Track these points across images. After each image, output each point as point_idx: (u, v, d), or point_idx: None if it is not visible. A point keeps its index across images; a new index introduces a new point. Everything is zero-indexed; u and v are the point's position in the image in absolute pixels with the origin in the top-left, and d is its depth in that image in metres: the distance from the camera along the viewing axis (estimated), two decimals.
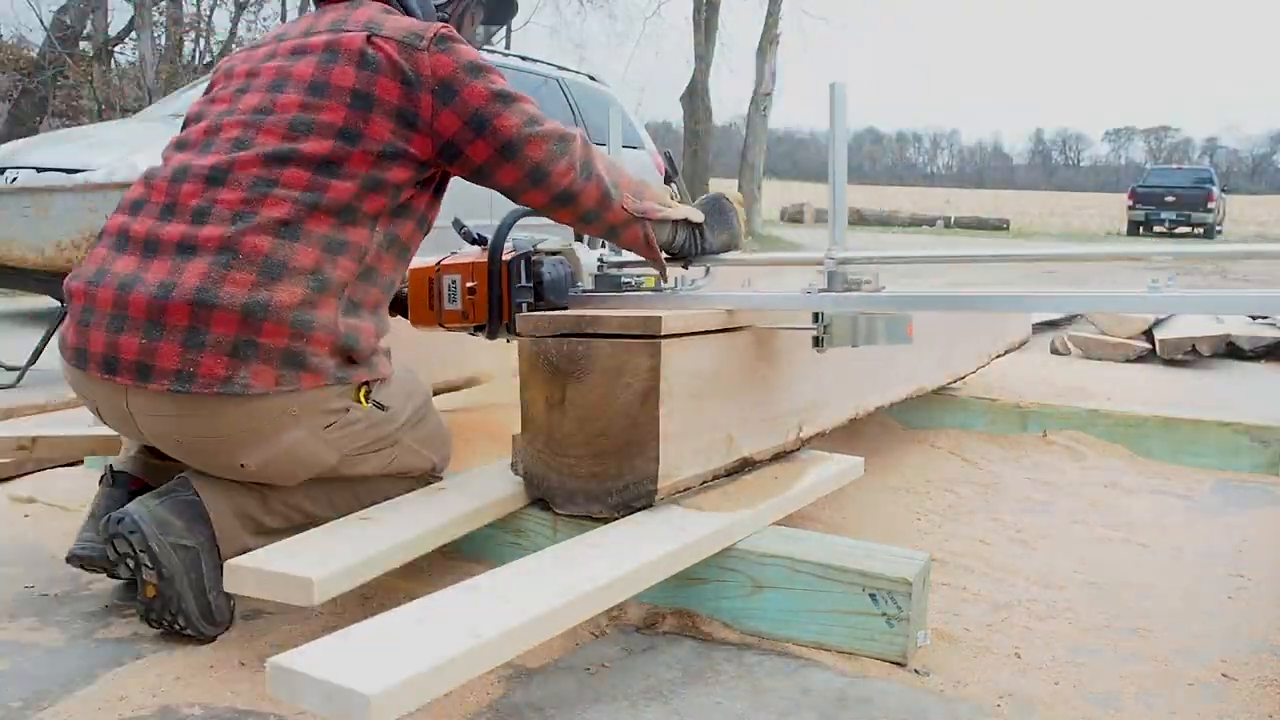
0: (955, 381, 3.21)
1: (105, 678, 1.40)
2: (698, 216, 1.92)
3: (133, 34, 13.85)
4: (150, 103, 10.45)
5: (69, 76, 12.98)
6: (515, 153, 1.61)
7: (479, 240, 2.06)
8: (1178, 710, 1.42)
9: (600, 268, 2.06)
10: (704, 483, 1.76)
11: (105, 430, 2.10)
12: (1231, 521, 2.35)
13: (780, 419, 1.97)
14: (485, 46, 8.64)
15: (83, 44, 13.77)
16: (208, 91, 1.70)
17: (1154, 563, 2.04)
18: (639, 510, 1.62)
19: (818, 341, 1.80)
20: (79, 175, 4.54)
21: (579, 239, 2.11)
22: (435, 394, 2.28)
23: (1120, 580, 1.94)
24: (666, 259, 1.91)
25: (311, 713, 1.04)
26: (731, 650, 1.54)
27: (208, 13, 16.16)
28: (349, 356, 1.55)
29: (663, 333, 1.59)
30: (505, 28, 21.16)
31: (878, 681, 1.45)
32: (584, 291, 1.99)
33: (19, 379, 3.40)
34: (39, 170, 4.79)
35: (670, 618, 1.62)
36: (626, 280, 2.08)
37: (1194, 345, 4.71)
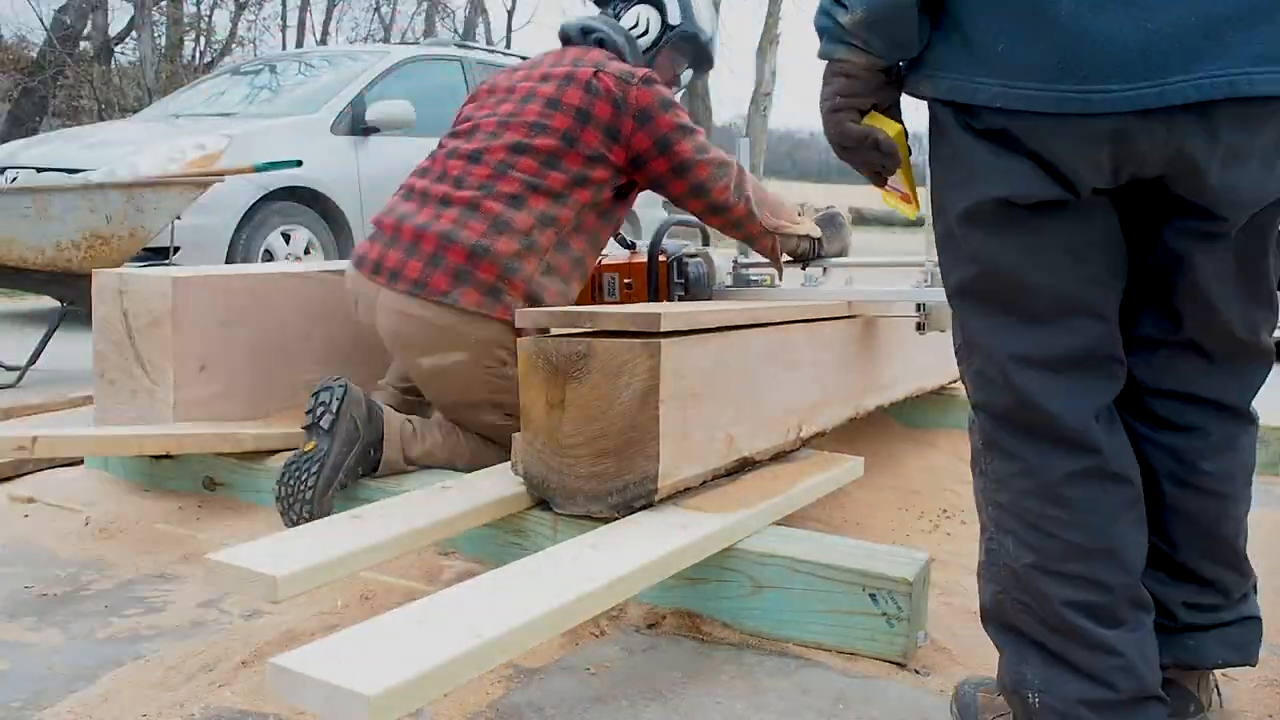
0: (955, 381, 3.21)
1: (105, 678, 1.41)
2: (817, 231, 2.41)
3: (133, 34, 13.85)
4: (150, 103, 10.45)
5: (69, 76, 12.97)
6: (686, 171, 2.15)
7: (630, 245, 2.59)
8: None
9: (734, 268, 2.60)
10: (704, 482, 1.76)
11: (106, 430, 2.11)
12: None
13: (780, 419, 1.97)
14: (486, 47, 8.63)
15: (83, 44, 13.76)
16: (473, 100, 2.31)
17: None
18: (639, 510, 1.62)
19: (920, 327, 2.34)
20: (79, 175, 4.54)
21: (706, 244, 2.70)
22: None
23: None
24: (789, 262, 2.40)
25: (312, 713, 1.04)
26: (731, 650, 1.54)
27: (208, 13, 16.17)
28: (529, 300, 2.05)
29: (662, 329, 1.59)
30: (506, 27, 21.08)
31: (878, 681, 1.45)
32: (723, 286, 2.54)
33: (19, 379, 3.40)
34: (39, 170, 4.80)
35: (670, 618, 1.62)
36: (755, 278, 2.58)
37: None
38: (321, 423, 1.89)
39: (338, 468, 1.88)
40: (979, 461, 1.23)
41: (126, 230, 3.32)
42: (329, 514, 1.81)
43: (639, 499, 1.62)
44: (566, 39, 2.31)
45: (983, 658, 1.54)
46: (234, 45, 16.55)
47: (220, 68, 11.31)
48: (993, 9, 1.06)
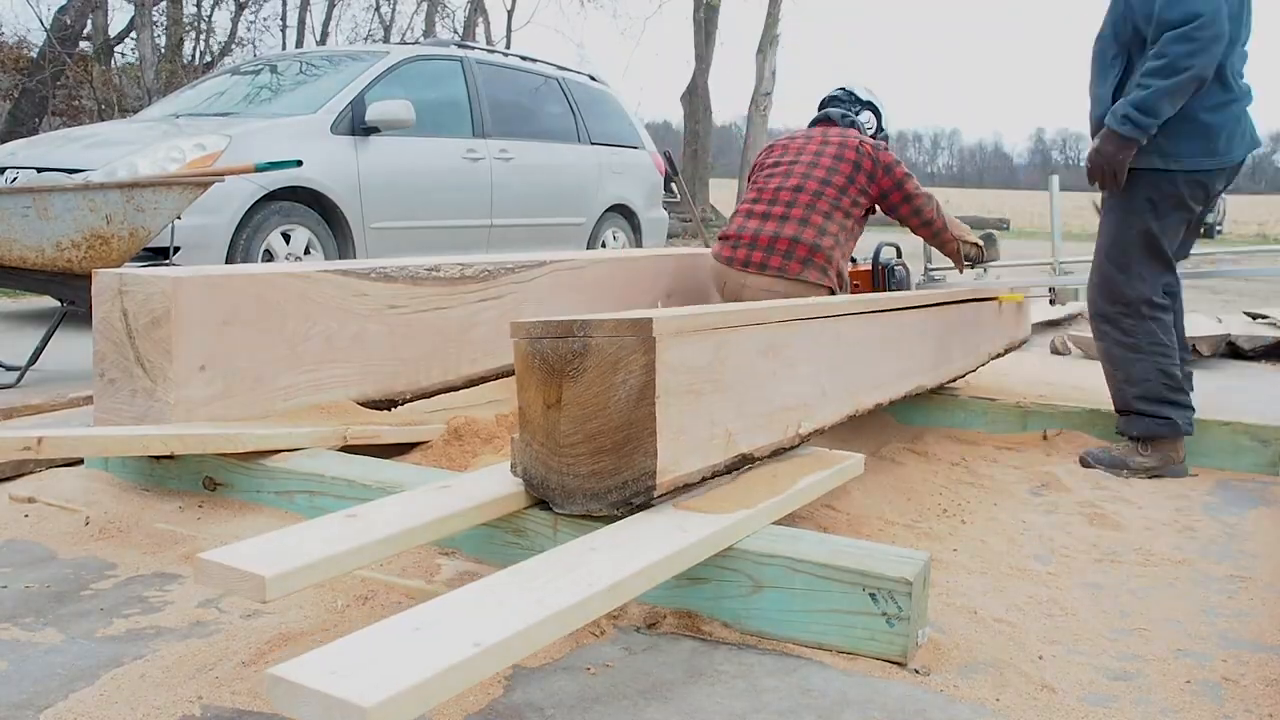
0: (954, 381, 3.21)
1: (105, 678, 1.41)
2: (981, 242, 3.61)
3: (133, 34, 13.83)
4: (150, 103, 10.45)
5: (69, 76, 12.95)
6: (910, 201, 3.43)
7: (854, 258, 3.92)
8: (1177, 709, 1.42)
9: (925, 271, 4.10)
10: (703, 479, 1.76)
11: (109, 430, 2.11)
12: (1231, 521, 2.35)
13: (779, 415, 1.97)
14: (486, 47, 8.62)
15: (83, 44, 13.74)
16: (770, 154, 3.60)
17: (1154, 562, 2.04)
18: (639, 507, 1.62)
19: (1052, 302, 4.67)
20: (79, 175, 4.54)
21: (900, 255, 4.14)
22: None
23: (1120, 579, 1.94)
24: (967, 265, 3.63)
25: None
26: (731, 650, 1.54)
27: (208, 13, 16.16)
28: (840, 275, 3.35)
29: (654, 334, 1.59)
30: (506, 28, 21.03)
31: (878, 681, 1.45)
32: (921, 283, 4.01)
33: (19, 379, 3.40)
34: (39, 170, 4.80)
35: (670, 618, 1.62)
36: (936, 277, 4.04)
37: (1194, 345, 4.70)
38: None
39: None
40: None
41: (126, 230, 3.32)
42: None
43: (638, 496, 1.62)
44: (829, 120, 3.64)
45: (983, 656, 1.55)
46: (234, 45, 16.54)
47: (220, 68, 11.31)
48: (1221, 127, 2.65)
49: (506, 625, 1.15)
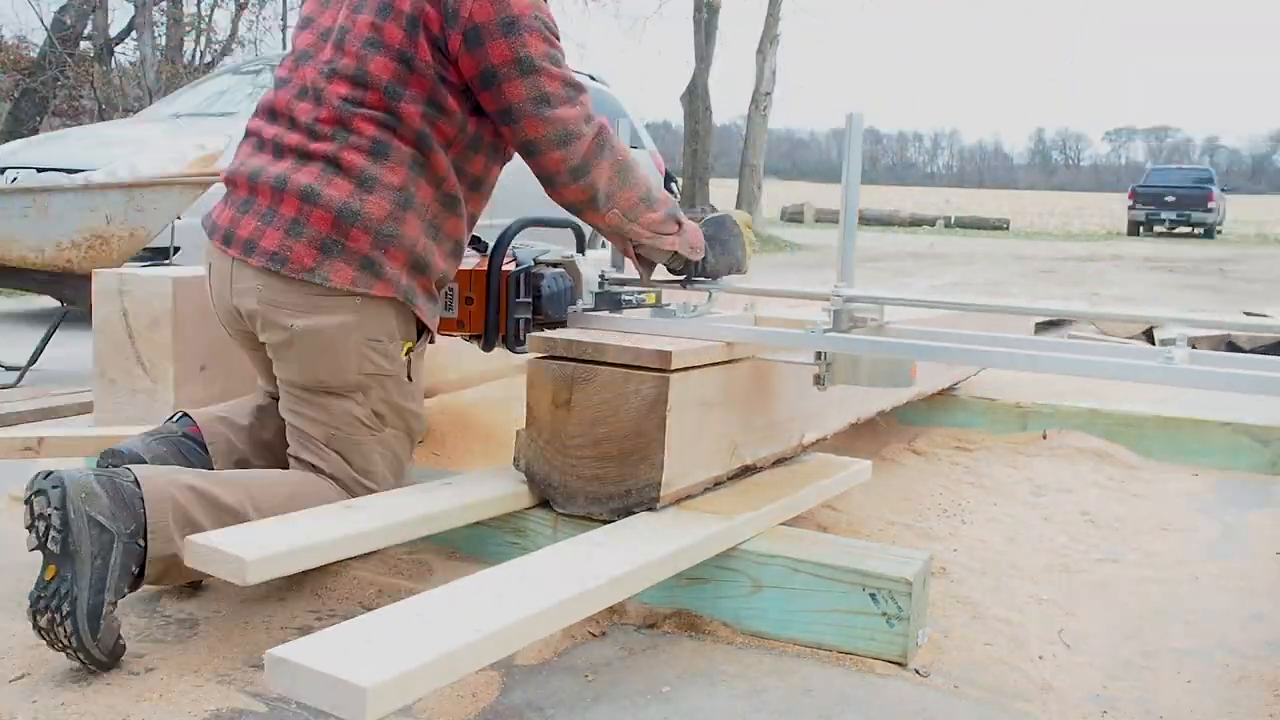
0: (957, 384, 3.21)
1: (103, 677, 1.40)
2: (695, 250, 1.92)
3: (133, 34, 13.84)
4: (150, 103, 10.45)
5: (69, 76, 12.96)
6: (513, 120, 1.69)
7: (482, 247, 2.05)
8: (1178, 709, 1.42)
9: (601, 284, 2.07)
10: (705, 490, 1.75)
11: (110, 431, 2.11)
12: (1232, 521, 2.35)
13: (782, 426, 1.97)
14: None
15: (83, 44, 13.75)
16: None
17: (1155, 563, 2.04)
18: (640, 514, 1.62)
19: (818, 380, 1.80)
20: (79, 175, 4.54)
21: (580, 251, 2.18)
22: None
23: (1121, 580, 1.94)
24: (669, 281, 1.99)
25: (310, 705, 1.04)
26: (731, 650, 1.54)
27: (208, 13, 16.16)
28: (419, 272, 1.71)
29: (672, 367, 1.59)
30: None
31: (878, 681, 1.45)
32: (584, 309, 2.02)
33: (19, 379, 3.40)
34: (39, 170, 4.80)
35: (670, 618, 1.62)
36: (627, 298, 2.08)
37: (1194, 345, 4.70)
38: (50, 545, 1.38)
39: (99, 591, 1.38)
40: None
41: (126, 230, 3.32)
42: (117, 646, 1.41)
43: (640, 505, 1.62)
44: None
45: (983, 657, 1.55)
46: (234, 45, 16.54)
47: (220, 68, 11.31)
48: None
49: (507, 614, 1.16)
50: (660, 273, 1.98)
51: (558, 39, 1.71)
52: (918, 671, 1.48)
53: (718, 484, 1.78)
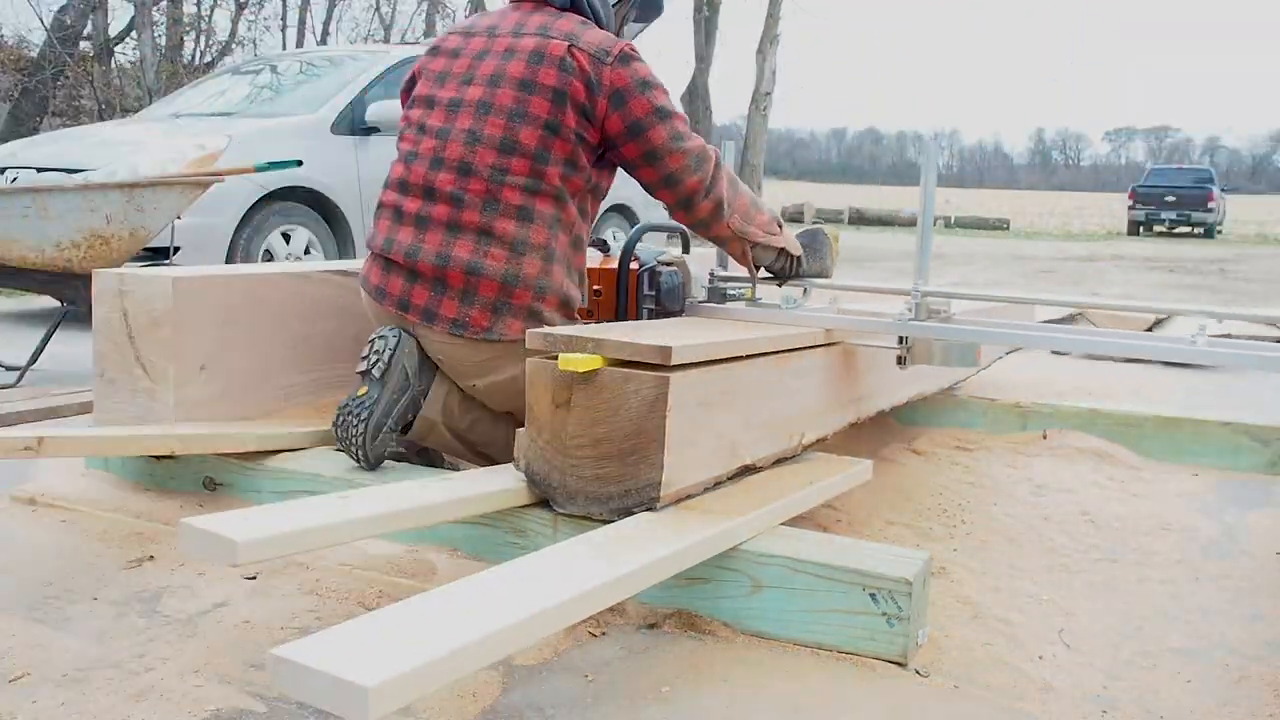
0: (958, 384, 3.21)
1: (103, 676, 1.41)
2: (796, 247, 2.27)
3: (133, 34, 13.84)
4: (150, 103, 10.45)
5: (69, 76, 12.96)
6: (657, 159, 2.02)
7: (604, 246, 2.44)
8: (1178, 709, 1.42)
9: (711, 280, 2.42)
10: (706, 490, 1.75)
11: (111, 431, 2.11)
12: (1232, 521, 2.35)
13: (783, 425, 1.97)
14: None
15: (83, 44, 13.75)
16: (426, 79, 2.14)
17: (1155, 563, 2.04)
18: (640, 514, 1.62)
19: (900, 360, 2.18)
20: (79, 175, 4.54)
21: (686, 251, 2.52)
22: None
23: (1121, 580, 1.94)
24: (765, 278, 2.32)
25: (312, 705, 1.04)
26: (731, 650, 1.54)
27: (208, 13, 16.16)
28: (566, 308, 2.05)
29: (672, 362, 1.59)
30: None
31: (878, 681, 1.45)
32: (696, 301, 2.36)
33: (19, 379, 3.40)
34: (39, 170, 4.80)
35: (670, 618, 1.62)
36: (733, 293, 2.43)
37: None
38: (374, 370, 1.94)
39: (387, 414, 1.94)
40: None
41: (126, 230, 3.32)
42: (383, 457, 1.96)
43: (640, 505, 1.62)
44: None
45: (983, 657, 1.55)
46: (234, 45, 16.55)
47: (220, 68, 11.31)
48: None
49: (508, 614, 1.16)
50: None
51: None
52: (918, 671, 1.48)
53: (718, 484, 1.78)
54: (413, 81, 2.20)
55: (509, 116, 1.95)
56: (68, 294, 3.41)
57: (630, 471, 1.61)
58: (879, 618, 1.50)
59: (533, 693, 1.39)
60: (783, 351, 1.96)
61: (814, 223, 2.49)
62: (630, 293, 2.29)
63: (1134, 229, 22.57)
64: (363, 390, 1.94)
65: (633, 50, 2.01)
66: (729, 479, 1.82)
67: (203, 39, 16.11)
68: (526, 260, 1.96)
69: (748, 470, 1.87)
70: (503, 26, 2.07)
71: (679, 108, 2.06)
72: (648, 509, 1.61)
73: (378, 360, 1.94)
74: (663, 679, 1.44)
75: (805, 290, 2.33)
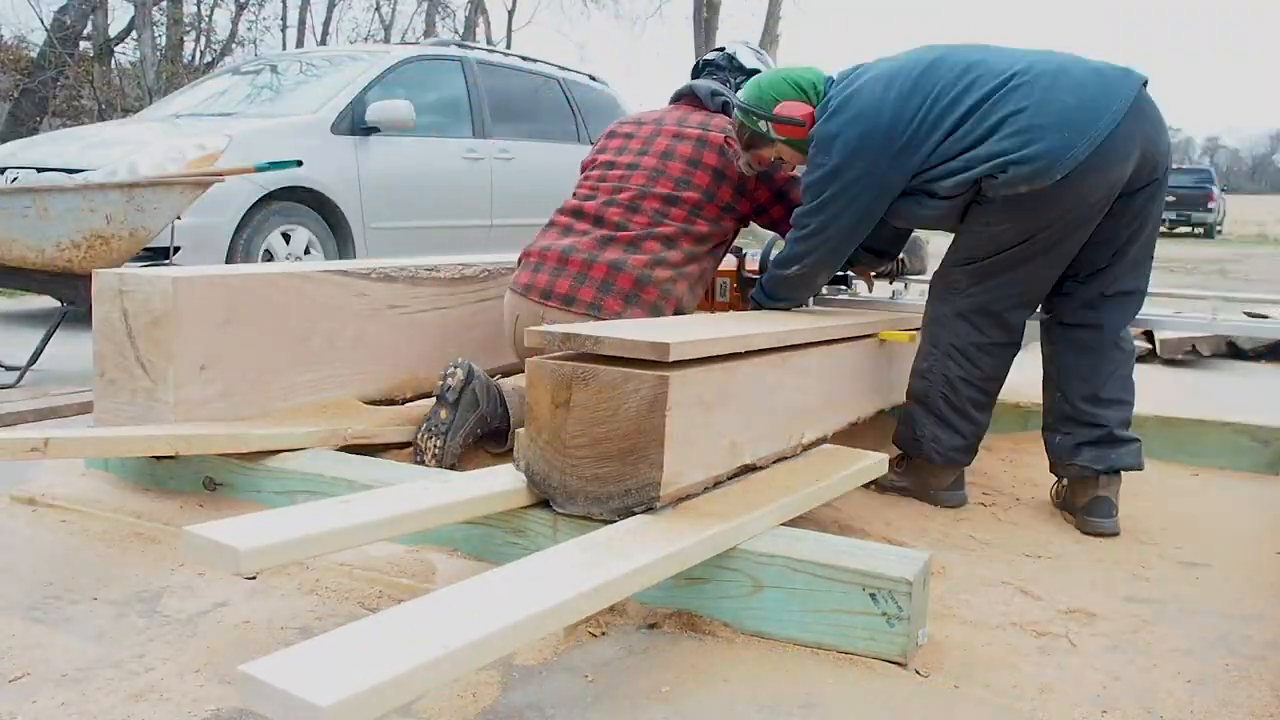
0: None
1: (102, 676, 1.41)
2: (900, 258, 2.81)
3: (133, 34, 13.84)
4: (150, 103, 10.44)
5: (69, 76, 12.95)
6: (790, 209, 2.47)
7: (739, 253, 2.95)
8: (1178, 709, 1.42)
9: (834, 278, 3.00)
10: (706, 489, 1.75)
11: (114, 431, 2.11)
12: (1234, 521, 2.35)
13: (783, 425, 1.97)
14: (486, 47, 8.66)
15: (83, 44, 13.74)
16: (603, 150, 2.68)
17: (1156, 562, 2.04)
18: (639, 514, 1.62)
19: None
20: (79, 175, 4.54)
21: None
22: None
23: (1121, 579, 1.94)
24: (877, 275, 2.85)
25: None
26: (731, 650, 1.54)
27: (208, 13, 16.16)
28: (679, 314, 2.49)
29: (671, 359, 1.59)
30: (507, 28, 21.01)
31: (878, 681, 1.45)
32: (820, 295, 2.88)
33: (19, 379, 3.40)
34: (39, 170, 4.80)
35: (670, 618, 1.62)
36: (847, 288, 3.07)
37: (1194, 345, 4.71)
38: (447, 396, 2.35)
39: (459, 431, 2.35)
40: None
41: (126, 230, 3.32)
42: (455, 465, 2.34)
43: (640, 505, 1.62)
44: (694, 96, 2.73)
45: (982, 657, 1.55)
46: (234, 45, 16.55)
47: (220, 68, 11.31)
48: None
49: (480, 627, 1.15)
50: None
51: None
52: (918, 671, 1.48)
53: (718, 483, 1.78)
54: (591, 162, 2.73)
55: (675, 183, 2.52)
56: (68, 294, 3.41)
57: (630, 471, 1.61)
58: (879, 618, 1.50)
59: (533, 693, 1.39)
60: (784, 349, 1.96)
61: None
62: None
63: None
64: (444, 414, 2.35)
65: None
66: (729, 478, 1.82)
67: (203, 39, 16.11)
68: (659, 270, 2.44)
69: (747, 470, 1.87)
70: (668, 119, 2.66)
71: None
72: (648, 509, 1.61)
73: (451, 388, 2.36)
74: (663, 679, 1.44)
75: (905, 285, 2.97)
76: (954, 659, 1.53)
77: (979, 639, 1.62)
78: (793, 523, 1.74)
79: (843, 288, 3.04)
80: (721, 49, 2.90)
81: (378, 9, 20.22)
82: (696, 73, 2.85)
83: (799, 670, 1.48)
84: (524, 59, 7.25)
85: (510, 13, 21.56)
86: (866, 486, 2.30)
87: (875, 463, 2.05)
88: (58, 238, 3.22)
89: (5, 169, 4.92)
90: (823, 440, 2.15)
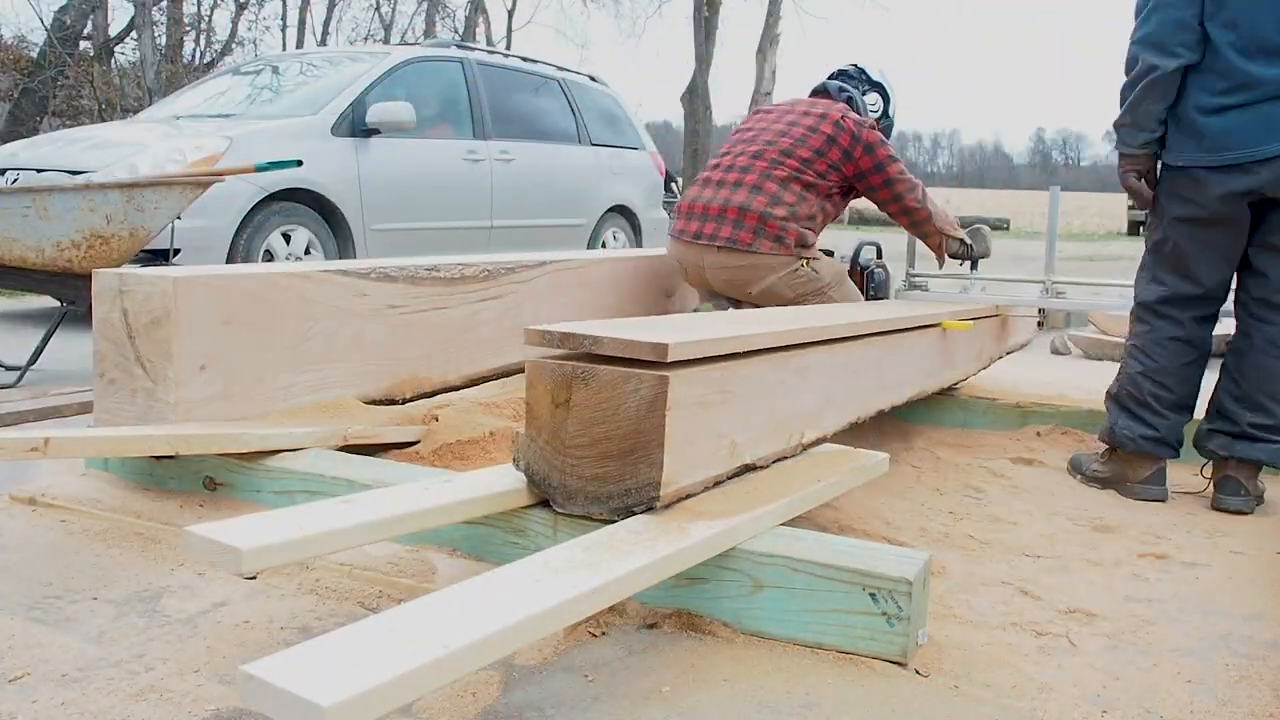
0: (955, 385, 3.21)
1: (102, 676, 1.41)
2: (969, 239, 3.37)
3: (133, 34, 13.83)
4: (150, 103, 10.45)
5: (69, 76, 12.95)
6: (891, 186, 3.16)
7: (829, 254, 3.48)
8: (1178, 709, 1.42)
9: (907, 276, 3.72)
10: (706, 489, 1.75)
11: (114, 431, 2.11)
12: (1234, 521, 2.35)
13: (784, 424, 1.97)
14: (486, 47, 8.65)
15: (83, 44, 13.74)
16: (749, 120, 3.36)
17: (1156, 562, 2.04)
18: (639, 514, 1.62)
19: (1040, 324, 4.04)
20: (79, 175, 4.54)
21: (879, 256, 3.76)
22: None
23: (1121, 579, 1.94)
24: (952, 256, 3.40)
25: None
26: (731, 650, 1.54)
27: (208, 13, 16.17)
28: (802, 245, 3.07)
29: (670, 359, 1.59)
30: (506, 28, 21.04)
31: (878, 681, 1.45)
32: (901, 290, 3.61)
33: (19, 379, 3.40)
34: (39, 171, 4.80)
35: (670, 618, 1.62)
36: (920, 283, 3.66)
37: None
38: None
39: None
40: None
41: (126, 230, 3.32)
42: None
43: (640, 505, 1.62)
44: (826, 91, 3.42)
45: (982, 657, 1.55)
46: (234, 45, 16.56)
47: (220, 68, 11.31)
48: (1211, 124, 2.40)
49: (481, 627, 1.15)
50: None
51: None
52: (918, 671, 1.48)
53: (718, 483, 1.78)
54: (734, 131, 3.39)
55: (794, 141, 3.12)
56: (68, 294, 3.41)
57: (630, 471, 1.61)
58: (879, 617, 1.50)
59: (533, 693, 1.39)
60: (784, 349, 1.96)
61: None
62: (859, 285, 3.50)
63: (1134, 229, 22.52)
64: None
65: (877, 125, 3.23)
66: (729, 478, 1.82)
67: (203, 39, 16.12)
68: (778, 208, 3.03)
69: (748, 469, 1.87)
70: (800, 103, 3.32)
71: (900, 158, 3.19)
72: (648, 509, 1.61)
73: None
74: (663, 679, 1.44)
75: (972, 282, 3.55)
76: (954, 659, 1.53)
77: (979, 639, 1.62)
78: (793, 523, 1.74)
79: (918, 290, 3.59)
80: (854, 64, 3.60)
81: (378, 9, 20.24)
82: (831, 77, 3.55)
83: (799, 670, 1.48)
84: (524, 60, 7.25)
85: (510, 13, 21.57)
86: (1075, 473, 2.68)
87: (875, 462, 2.05)
88: (58, 238, 3.23)
89: (6, 170, 4.93)
90: (823, 440, 2.15)
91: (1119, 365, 2.69)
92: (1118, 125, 2.53)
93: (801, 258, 3.08)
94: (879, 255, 3.80)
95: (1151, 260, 2.60)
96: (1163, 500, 2.52)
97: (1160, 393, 2.56)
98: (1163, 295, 2.56)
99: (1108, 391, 2.70)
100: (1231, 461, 2.46)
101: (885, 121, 3.56)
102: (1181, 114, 2.43)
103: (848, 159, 3.11)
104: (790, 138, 3.13)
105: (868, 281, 3.59)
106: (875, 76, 3.54)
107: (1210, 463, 2.55)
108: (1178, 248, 2.51)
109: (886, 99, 3.54)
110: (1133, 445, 2.56)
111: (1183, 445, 2.58)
